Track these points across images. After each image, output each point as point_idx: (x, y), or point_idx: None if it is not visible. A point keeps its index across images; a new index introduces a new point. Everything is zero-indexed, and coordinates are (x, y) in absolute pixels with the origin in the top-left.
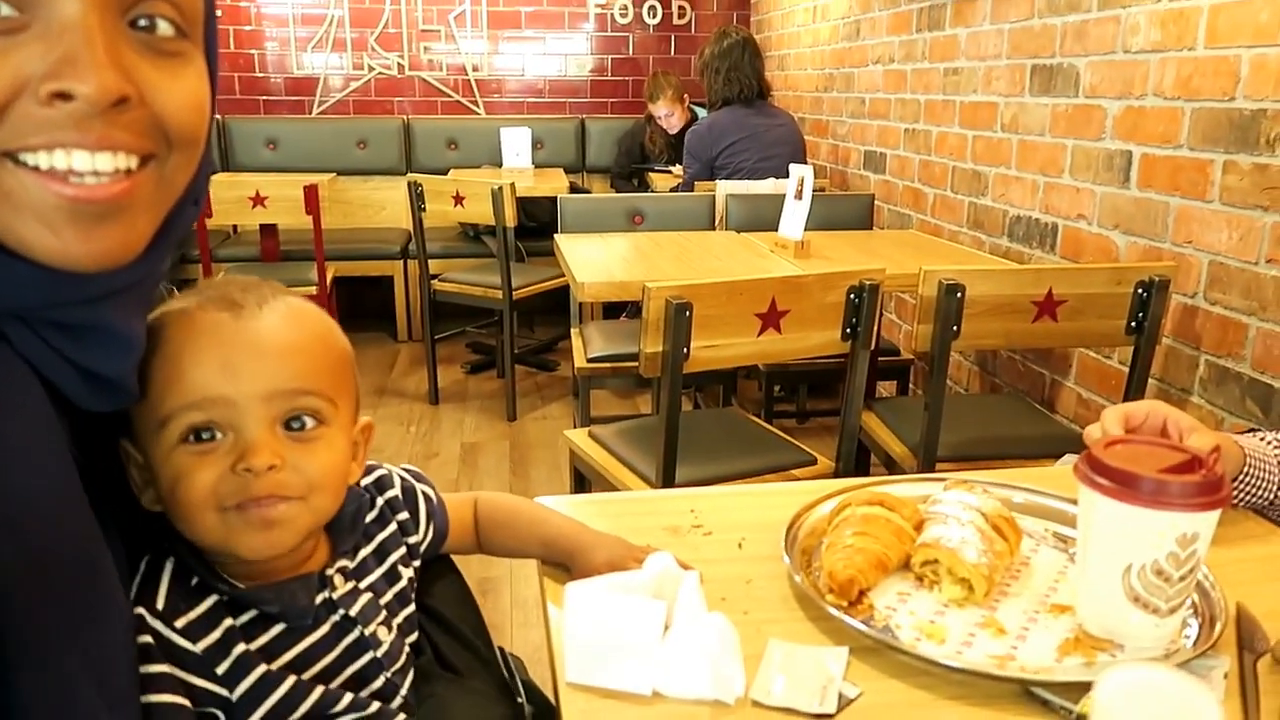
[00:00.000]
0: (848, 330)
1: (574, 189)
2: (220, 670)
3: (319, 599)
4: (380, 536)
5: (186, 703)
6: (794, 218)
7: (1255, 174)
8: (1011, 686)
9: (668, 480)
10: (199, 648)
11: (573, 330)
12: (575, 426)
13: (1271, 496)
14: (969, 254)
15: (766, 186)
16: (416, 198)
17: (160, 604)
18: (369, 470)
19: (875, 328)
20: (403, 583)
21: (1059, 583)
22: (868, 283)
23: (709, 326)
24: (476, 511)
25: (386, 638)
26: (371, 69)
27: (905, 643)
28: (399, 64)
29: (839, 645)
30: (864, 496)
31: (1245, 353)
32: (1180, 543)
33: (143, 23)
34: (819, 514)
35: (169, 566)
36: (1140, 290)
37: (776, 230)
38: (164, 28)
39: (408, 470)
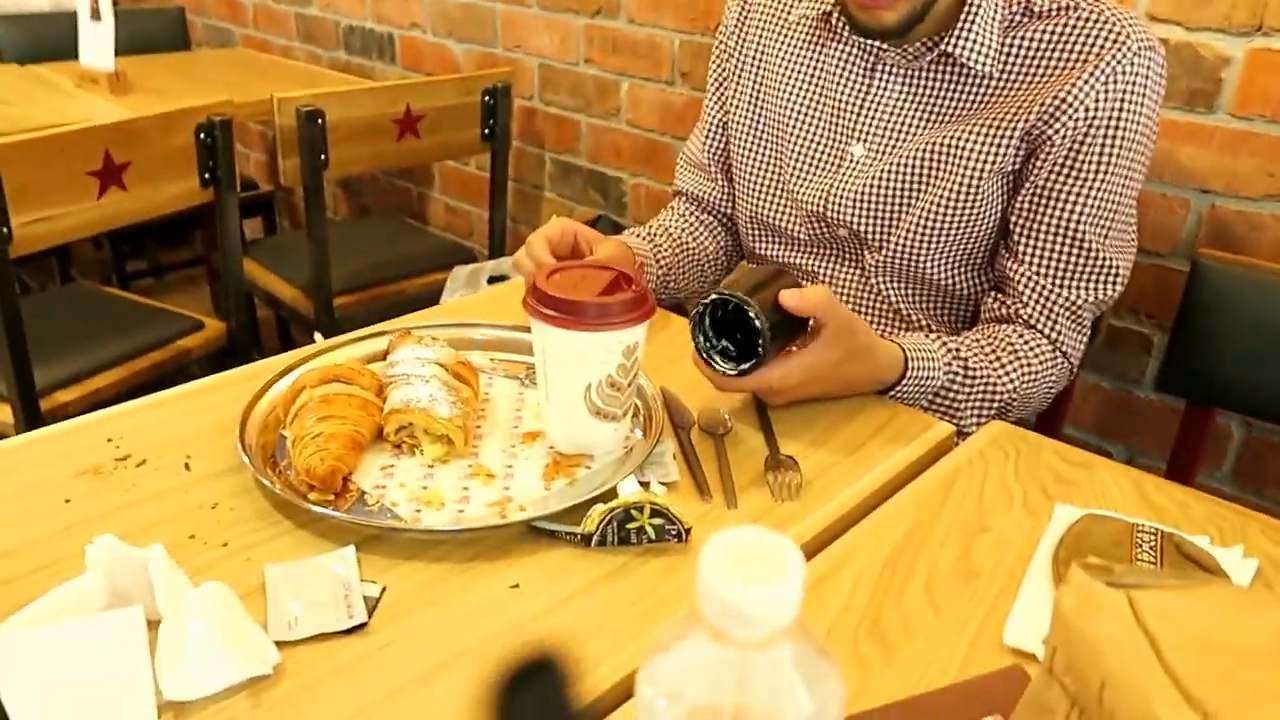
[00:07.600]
0: (206, 175)
1: None
2: None
3: None
4: None
5: None
6: (97, 44)
7: None
8: (519, 528)
9: (28, 395)
10: None
11: None
12: None
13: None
14: (311, 72)
15: (44, 4)
16: None
17: None
18: None
19: (235, 167)
20: None
21: (521, 410)
22: (218, 119)
23: (31, 196)
24: None
25: None
26: None
27: (407, 519)
28: None
29: (343, 546)
30: (316, 375)
31: (580, 147)
32: (626, 354)
33: None
34: (268, 404)
35: None
36: (487, 98)
37: (76, 60)
38: None
39: None
